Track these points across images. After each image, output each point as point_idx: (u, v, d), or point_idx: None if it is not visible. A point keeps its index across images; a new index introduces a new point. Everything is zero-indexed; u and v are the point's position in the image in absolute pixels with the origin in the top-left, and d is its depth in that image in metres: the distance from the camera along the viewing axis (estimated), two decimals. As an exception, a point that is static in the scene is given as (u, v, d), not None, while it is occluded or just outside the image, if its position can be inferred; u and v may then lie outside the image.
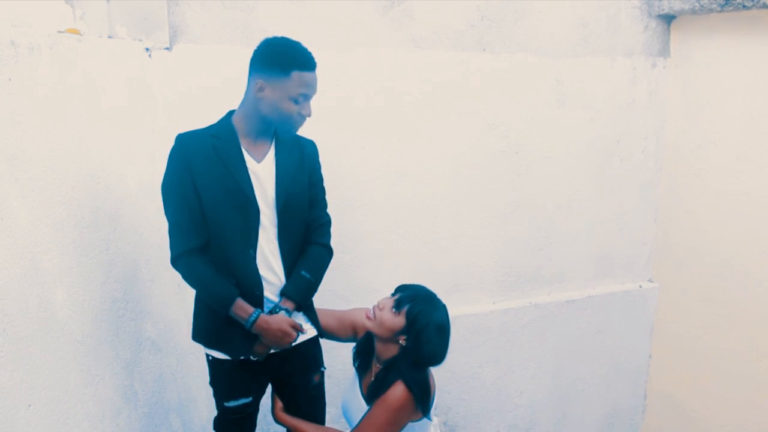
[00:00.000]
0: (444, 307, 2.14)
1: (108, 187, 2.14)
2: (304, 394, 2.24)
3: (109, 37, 2.47)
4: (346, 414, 2.29)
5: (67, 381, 1.77)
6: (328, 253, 2.22)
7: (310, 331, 2.17)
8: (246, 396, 2.14)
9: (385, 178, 3.12)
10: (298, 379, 2.22)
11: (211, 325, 2.09)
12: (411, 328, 2.04)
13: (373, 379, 2.15)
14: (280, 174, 2.05)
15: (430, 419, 2.13)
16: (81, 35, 2.13)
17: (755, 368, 3.37)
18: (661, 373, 3.98)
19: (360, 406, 2.17)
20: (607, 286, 3.81)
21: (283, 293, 2.08)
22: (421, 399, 2.05)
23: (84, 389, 1.86)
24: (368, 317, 2.11)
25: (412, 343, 2.06)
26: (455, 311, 3.35)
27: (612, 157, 3.63)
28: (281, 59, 1.93)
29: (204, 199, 1.96)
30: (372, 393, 2.10)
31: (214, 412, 2.26)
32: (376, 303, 2.14)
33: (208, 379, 2.23)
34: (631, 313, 3.89)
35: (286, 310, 2.06)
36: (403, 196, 3.17)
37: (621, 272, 3.85)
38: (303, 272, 2.10)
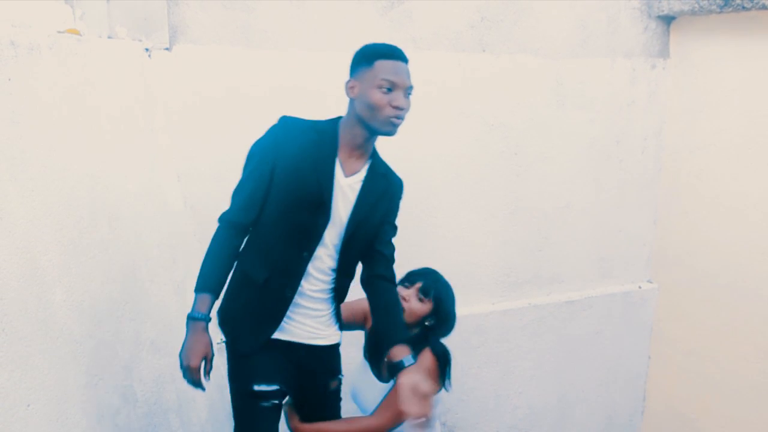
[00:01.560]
0: (448, 282, 2.29)
1: (107, 187, 2.14)
2: (319, 398, 2.21)
3: (109, 37, 2.47)
4: (357, 400, 2.34)
5: (66, 381, 1.77)
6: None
7: (334, 337, 2.15)
8: (275, 382, 2.04)
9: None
10: (316, 381, 2.17)
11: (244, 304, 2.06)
12: (439, 309, 2.20)
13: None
14: (362, 197, 2.02)
15: (447, 389, 2.27)
16: (81, 35, 2.14)
17: (754, 369, 3.37)
18: (660, 375, 3.98)
19: (378, 389, 2.23)
20: (606, 287, 3.81)
21: (399, 342, 1.99)
22: (444, 367, 2.19)
23: (83, 389, 1.86)
24: None
25: (436, 322, 2.20)
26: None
27: (611, 157, 3.63)
28: (366, 53, 1.94)
29: (276, 184, 1.94)
30: (393, 370, 2.12)
31: (214, 413, 2.26)
32: None
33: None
34: (630, 314, 3.89)
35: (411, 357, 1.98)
36: (403, 197, 3.17)
37: (620, 273, 3.85)
38: (401, 316, 2.09)
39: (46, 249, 1.70)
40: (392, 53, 1.93)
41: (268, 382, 2.00)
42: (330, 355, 2.17)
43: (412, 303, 2.18)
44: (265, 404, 2.02)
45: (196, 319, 1.90)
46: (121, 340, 2.17)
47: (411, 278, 2.27)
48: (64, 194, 1.83)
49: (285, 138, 1.95)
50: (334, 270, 2.04)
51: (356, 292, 2.15)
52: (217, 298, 1.95)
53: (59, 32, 2.03)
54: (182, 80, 2.70)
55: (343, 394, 2.36)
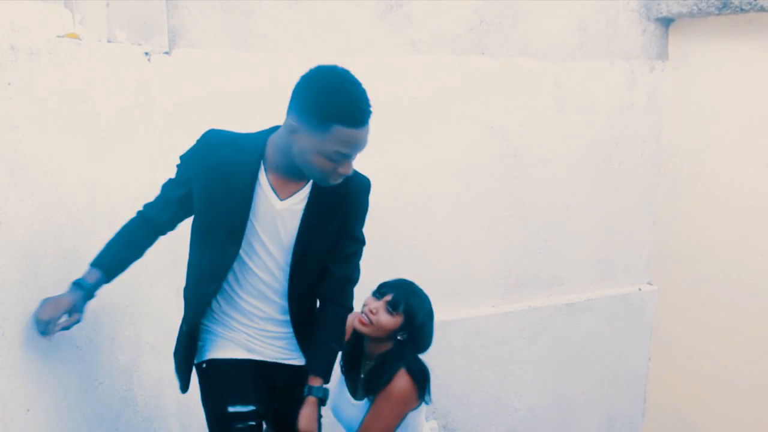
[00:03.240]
0: (426, 296, 2.19)
1: (107, 191, 2.14)
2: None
3: (109, 41, 2.47)
4: (337, 416, 2.29)
5: (66, 386, 1.77)
6: (347, 315, 2.01)
7: (300, 359, 2.00)
8: (251, 402, 1.89)
9: (384, 181, 3.11)
10: (294, 402, 1.98)
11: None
12: (410, 324, 2.08)
13: (364, 375, 2.16)
14: (306, 218, 1.81)
15: (427, 403, 2.16)
16: (80, 40, 2.14)
17: (754, 370, 3.36)
18: (661, 376, 3.98)
19: (352, 407, 2.18)
20: (606, 289, 3.81)
21: (312, 371, 1.92)
22: (423, 385, 2.09)
23: (83, 394, 1.86)
24: (363, 323, 2.08)
25: (409, 336, 2.09)
26: (454, 315, 3.37)
27: (611, 160, 3.63)
28: (322, 107, 1.60)
29: (195, 203, 1.82)
30: (369, 388, 2.10)
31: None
32: (364, 306, 2.13)
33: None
34: (630, 316, 3.89)
35: (323, 390, 1.90)
36: (402, 200, 3.17)
37: (620, 275, 3.85)
38: (331, 343, 1.93)
39: (45, 253, 1.70)
40: (356, 119, 1.62)
41: (244, 403, 1.87)
42: (304, 373, 2.00)
43: (380, 316, 2.06)
44: (241, 426, 1.88)
45: (74, 282, 1.71)
46: (121, 344, 2.17)
47: (382, 290, 2.15)
48: (64, 198, 1.83)
49: (203, 154, 1.79)
50: (285, 296, 1.89)
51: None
52: (107, 279, 1.79)
53: (59, 37, 2.03)
54: (182, 84, 2.70)
55: (325, 411, 2.34)
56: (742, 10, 3.06)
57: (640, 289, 3.90)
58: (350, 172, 1.70)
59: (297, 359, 1.99)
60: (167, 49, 2.63)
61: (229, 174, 1.74)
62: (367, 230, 3.21)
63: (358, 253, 1.97)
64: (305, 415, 1.86)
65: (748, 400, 3.41)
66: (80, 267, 1.87)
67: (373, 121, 3.01)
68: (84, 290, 1.70)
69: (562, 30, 3.35)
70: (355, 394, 2.20)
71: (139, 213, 1.88)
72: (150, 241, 1.89)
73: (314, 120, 1.59)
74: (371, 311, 2.08)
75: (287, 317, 1.92)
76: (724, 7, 3.12)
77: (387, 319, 2.06)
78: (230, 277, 1.85)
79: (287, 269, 1.85)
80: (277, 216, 1.78)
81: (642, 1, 3.50)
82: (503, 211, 3.41)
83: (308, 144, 1.62)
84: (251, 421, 1.87)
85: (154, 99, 2.62)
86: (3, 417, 1.44)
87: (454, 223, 3.31)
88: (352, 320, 2.15)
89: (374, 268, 3.14)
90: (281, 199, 1.78)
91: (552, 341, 3.69)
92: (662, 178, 3.79)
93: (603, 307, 3.79)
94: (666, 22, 3.58)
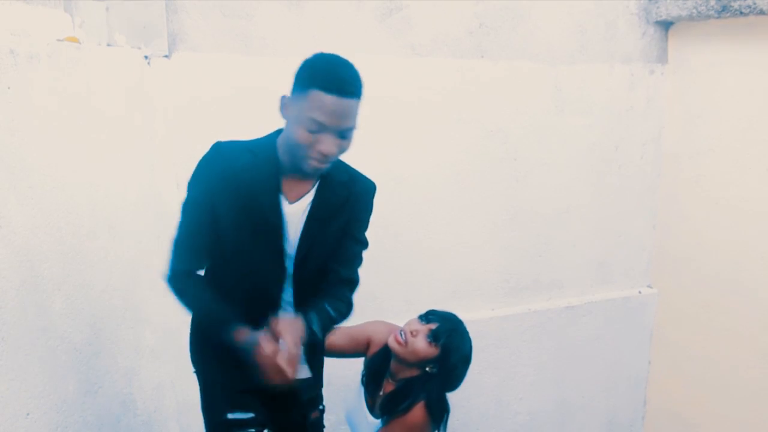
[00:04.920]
0: (470, 339, 2.16)
1: (107, 194, 2.14)
2: (299, 428, 2.04)
3: (108, 45, 2.47)
4: (351, 426, 2.29)
5: (66, 389, 1.77)
6: (350, 309, 1.94)
7: (303, 371, 1.93)
8: (250, 410, 1.85)
9: (383, 184, 3.09)
10: (293, 412, 1.99)
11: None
12: (444, 360, 2.05)
13: (384, 394, 2.13)
14: (310, 221, 1.77)
15: None
16: (80, 43, 2.14)
17: (755, 374, 3.36)
18: (661, 380, 3.98)
19: (367, 424, 2.17)
20: (606, 292, 3.81)
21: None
22: (438, 421, 2.07)
23: (83, 398, 1.86)
24: (399, 342, 2.05)
25: (438, 372, 2.06)
26: (454, 318, 3.36)
27: (611, 163, 3.63)
28: (304, 72, 1.60)
29: (222, 219, 1.72)
30: (386, 409, 2.09)
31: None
32: (405, 325, 2.10)
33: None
34: (630, 319, 3.89)
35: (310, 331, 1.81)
36: (402, 203, 3.17)
37: (620, 278, 3.85)
38: (327, 306, 1.84)
39: (45, 257, 1.70)
40: (333, 84, 1.55)
41: (243, 410, 1.83)
42: (307, 386, 1.98)
43: (418, 341, 2.03)
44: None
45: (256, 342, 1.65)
46: (120, 348, 2.17)
47: (429, 316, 2.12)
48: (64, 202, 1.83)
49: (218, 168, 1.70)
50: (290, 303, 1.85)
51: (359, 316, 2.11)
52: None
53: (58, 40, 2.03)
54: (181, 87, 2.70)
55: (336, 416, 2.33)
56: (741, 13, 3.06)
57: (640, 293, 3.90)
58: (332, 153, 1.61)
59: (301, 371, 1.90)
60: (167, 53, 2.63)
61: (251, 178, 1.69)
62: (367, 233, 3.21)
63: (359, 255, 1.94)
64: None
65: (749, 403, 3.41)
66: (80, 270, 1.88)
67: (372, 125, 3.03)
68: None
69: (561, 33, 3.35)
70: (372, 410, 2.18)
71: (184, 278, 1.79)
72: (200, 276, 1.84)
73: (297, 87, 1.59)
74: (411, 332, 2.05)
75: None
76: (724, 11, 3.12)
77: (423, 347, 2.03)
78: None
79: (292, 269, 1.81)
80: (289, 219, 1.75)
81: (641, 4, 3.50)
82: (503, 215, 3.41)
83: (292, 114, 1.61)
84: (251, 428, 1.84)
85: (153, 102, 2.63)
86: (2, 421, 1.43)
87: (454, 226, 3.31)
88: (388, 335, 2.13)
89: (374, 272, 3.14)
90: (290, 203, 1.75)
91: (552, 344, 3.69)
92: (662, 181, 3.79)
93: (603, 310, 3.79)
94: (665, 26, 3.59)
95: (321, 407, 2.10)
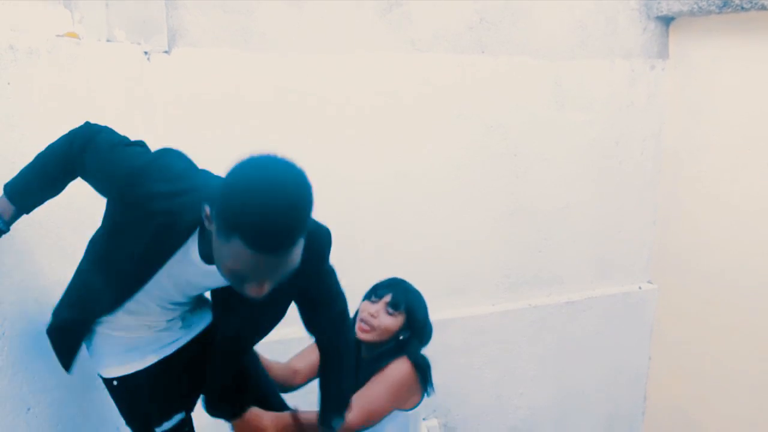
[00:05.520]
0: (418, 290, 2.14)
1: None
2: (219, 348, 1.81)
3: (108, 40, 2.47)
4: None
5: (67, 385, 1.77)
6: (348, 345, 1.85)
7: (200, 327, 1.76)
8: (178, 410, 1.70)
9: (383, 180, 3.13)
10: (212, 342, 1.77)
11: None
12: (412, 321, 2.03)
13: (364, 371, 2.05)
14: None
15: (428, 395, 2.10)
16: (79, 39, 2.14)
17: (755, 369, 3.36)
18: (661, 375, 3.99)
19: None
20: (606, 287, 3.81)
21: (324, 410, 1.79)
22: (424, 374, 2.03)
23: (85, 393, 1.87)
24: (364, 330, 2.01)
25: (411, 334, 2.04)
26: (454, 313, 3.37)
27: (611, 159, 3.63)
28: (228, 212, 1.18)
29: (108, 222, 1.50)
30: (365, 377, 2.01)
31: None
32: (360, 312, 2.06)
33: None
34: (630, 314, 3.89)
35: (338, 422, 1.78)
36: (402, 199, 3.17)
37: (620, 274, 3.85)
38: (341, 376, 1.79)
39: (47, 253, 1.70)
40: (257, 240, 1.16)
41: (169, 417, 1.68)
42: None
43: (382, 319, 2.00)
44: None
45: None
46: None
47: (377, 292, 2.08)
48: (64, 198, 1.83)
49: (139, 190, 1.37)
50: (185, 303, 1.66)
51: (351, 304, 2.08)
52: (18, 216, 1.51)
53: (58, 36, 2.03)
54: (181, 83, 2.70)
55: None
56: (742, 8, 3.05)
57: (640, 288, 3.90)
58: (261, 296, 1.27)
59: (199, 326, 1.75)
60: (167, 48, 2.63)
61: (158, 227, 1.37)
62: (367, 228, 3.21)
63: (335, 301, 1.74)
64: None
65: (749, 399, 3.41)
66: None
67: (373, 121, 3.04)
68: None
69: (561, 29, 3.35)
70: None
71: (69, 147, 1.49)
72: (72, 179, 1.55)
73: (220, 224, 1.19)
74: (371, 315, 2.02)
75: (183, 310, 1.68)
76: (725, 6, 3.11)
77: (389, 321, 2.01)
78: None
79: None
80: (198, 276, 1.46)
81: (642, 0, 3.50)
82: (503, 210, 3.41)
83: (214, 245, 1.25)
84: (185, 428, 1.74)
85: (153, 98, 2.62)
86: (3, 415, 1.44)
87: (454, 221, 3.32)
88: (311, 355, 2.10)
89: (373, 267, 3.15)
90: (208, 263, 1.40)
91: (552, 340, 3.70)
92: (662, 176, 3.79)
93: (603, 305, 3.79)
94: (666, 21, 3.58)
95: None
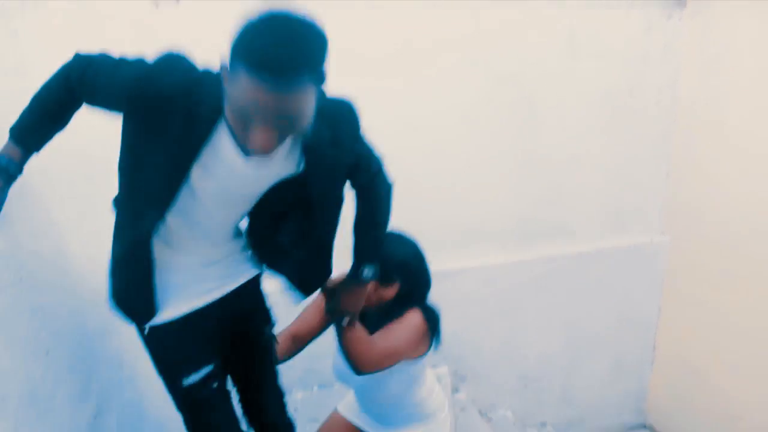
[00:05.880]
0: (407, 239, 2.12)
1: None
2: (256, 350, 1.87)
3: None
4: (347, 382, 2.25)
5: (85, 329, 1.81)
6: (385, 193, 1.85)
7: (249, 273, 1.75)
8: (207, 363, 1.66)
9: (395, 128, 3.11)
10: (249, 329, 1.84)
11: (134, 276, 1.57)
12: (407, 279, 2.02)
13: (370, 324, 2.04)
14: (315, 192, 1.55)
15: (436, 347, 2.10)
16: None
17: (765, 322, 3.37)
18: (671, 326, 4.01)
19: None
20: (618, 239, 3.81)
21: (356, 259, 1.80)
22: (434, 325, 2.04)
23: (102, 337, 1.91)
24: (367, 306, 1.96)
25: (410, 289, 2.04)
26: (465, 263, 3.39)
27: (625, 109, 3.59)
28: (236, 43, 1.19)
29: (132, 139, 1.43)
30: (376, 328, 2.01)
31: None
32: None
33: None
34: (641, 266, 3.90)
35: (371, 269, 1.80)
36: (414, 148, 3.16)
37: (632, 225, 3.84)
38: (370, 230, 1.80)
39: (60, 201, 1.72)
40: (264, 67, 1.14)
41: (198, 368, 1.64)
42: (253, 291, 1.80)
43: (378, 293, 1.99)
44: (202, 395, 1.67)
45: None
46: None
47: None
48: (76, 147, 1.85)
49: (156, 90, 1.35)
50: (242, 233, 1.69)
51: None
52: (28, 157, 1.52)
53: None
54: (189, 33, 2.68)
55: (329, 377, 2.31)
56: (763, -46, 2.97)
57: (652, 240, 3.89)
58: (266, 148, 1.24)
59: (248, 273, 1.74)
60: (176, -3, 2.61)
61: (181, 120, 1.34)
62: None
63: (371, 161, 1.76)
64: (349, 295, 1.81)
65: (758, 352, 3.43)
66: (94, 215, 1.90)
67: (385, 69, 3.01)
68: (7, 174, 1.47)
69: (577, -25, 3.28)
70: None
71: (66, 79, 1.48)
72: (76, 109, 1.53)
73: (230, 61, 1.21)
74: (368, 297, 1.97)
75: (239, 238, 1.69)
76: (745, -49, 3.03)
77: (386, 292, 2.01)
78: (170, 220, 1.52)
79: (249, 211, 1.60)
80: (236, 174, 1.41)
81: (660, -54, 3.41)
82: (515, 160, 3.39)
83: (226, 95, 1.27)
84: (211, 384, 1.68)
85: (162, 47, 2.61)
86: (23, 358, 1.48)
87: (466, 171, 3.31)
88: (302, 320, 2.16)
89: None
90: (247, 155, 1.36)
91: (563, 291, 3.72)
92: (677, 128, 3.74)
93: (614, 257, 3.79)
94: (684, -32, 3.50)
95: (273, 323, 1.91)
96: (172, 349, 1.63)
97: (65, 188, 1.76)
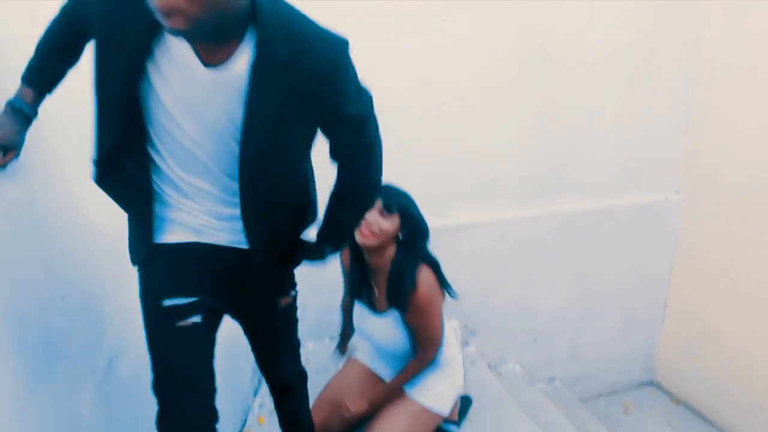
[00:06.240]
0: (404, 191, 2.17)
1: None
2: (266, 319, 1.76)
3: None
4: (366, 336, 2.34)
5: (99, 276, 1.82)
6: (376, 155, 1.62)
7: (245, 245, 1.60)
8: (192, 295, 1.55)
9: (410, 82, 3.08)
10: (259, 296, 1.71)
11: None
12: (407, 218, 2.09)
13: (386, 287, 2.17)
14: (252, 119, 1.34)
15: (453, 296, 2.20)
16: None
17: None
18: (683, 284, 4.01)
19: (378, 321, 2.23)
20: (632, 196, 3.79)
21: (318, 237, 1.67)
22: (441, 274, 2.14)
23: (115, 287, 1.92)
24: (366, 236, 2.06)
25: (412, 230, 2.10)
26: (478, 217, 3.39)
27: (645, 65, 3.53)
28: None
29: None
30: (394, 297, 2.13)
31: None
32: (362, 223, 2.10)
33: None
34: (655, 224, 3.88)
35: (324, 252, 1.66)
36: (429, 101, 3.13)
37: (647, 183, 3.82)
38: (338, 213, 1.63)
39: (72, 151, 1.72)
40: None
41: (183, 295, 1.53)
42: (263, 264, 1.62)
43: (381, 223, 2.05)
44: (182, 323, 1.53)
45: (10, 105, 1.43)
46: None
47: None
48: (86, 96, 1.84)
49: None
50: (233, 175, 1.46)
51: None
52: (42, 97, 1.49)
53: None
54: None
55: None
56: None
57: (666, 198, 3.87)
58: (167, 6, 1.14)
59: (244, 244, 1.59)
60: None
61: (133, 26, 1.28)
62: (392, 131, 3.19)
63: (361, 131, 1.53)
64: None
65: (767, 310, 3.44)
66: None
67: (401, 21, 2.96)
68: (22, 117, 1.43)
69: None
70: (375, 308, 2.24)
71: (63, 11, 1.46)
72: (80, 41, 1.48)
73: None
74: (370, 223, 2.06)
75: (237, 198, 1.50)
76: None
77: (386, 223, 2.06)
78: (158, 151, 1.47)
79: (233, 155, 1.43)
80: (198, 89, 1.33)
81: None
82: (531, 114, 3.36)
83: None
84: (194, 315, 1.55)
85: None
86: (39, 302, 1.50)
87: (481, 125, 3.28)
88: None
89: (396, 169, 3.14)
90: (206, 65, 1.30)
91: (576, 246, 3.71)
92: (697, 85, 3.68)
93: (628, 214, 3.78)
94: None
95: (293, 291, 1.79)
96: (161, 270, 1.56)
97: (75, 138, 1.75)
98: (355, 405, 2.26)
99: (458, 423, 2.55)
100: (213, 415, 1.57)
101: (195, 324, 1.54)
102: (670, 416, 4.04)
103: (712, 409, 3.90)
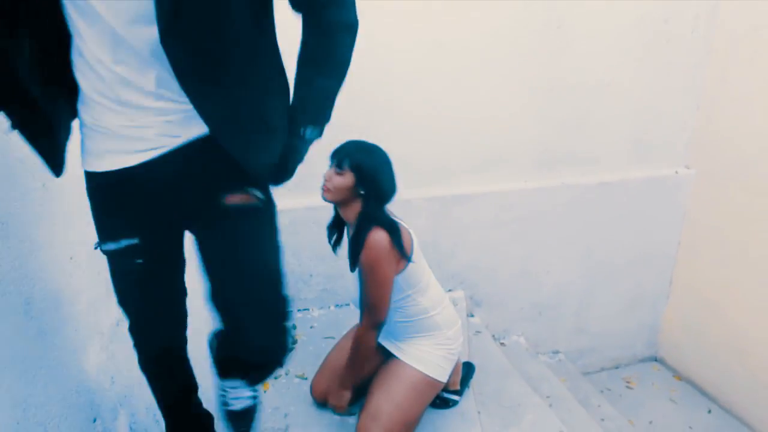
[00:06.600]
0: (378, 146, 2.13)
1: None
2: (221, 226, 1.38)
3: None
4: (356, 298, 2.31)
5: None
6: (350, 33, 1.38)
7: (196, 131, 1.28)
8: (131, 235, 1.38)
9: (421, 50, 3.04)
10: (207, 198, 1.35)
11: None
12: (362, 175, 2.05)
13: (349, 242, 2.17)
14: None
15: (410, 260, 2.14)
16: None
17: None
18: (689, 261, 4.00)
19: (355, 280, 2.22)
20: (642, 170, 3.76)
21: (297, 114, 1.39)
22: (394, 234, 2.08)
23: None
24: (324, 192, 2.08)
25: (368, 188, 2.07)
26: (485, 188, 3.37)
27: (659, 37, 3.47)
28: None
29: None
30: (354, 256, 2.12)
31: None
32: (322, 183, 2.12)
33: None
34: (664, 198, 3.86)
35: (315, 131, 1.41)
36: (439, 70, 3.10)
37: (658, 157, 3.79)
38: (315, 76, 1.37)
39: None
40: None
41: (118, 238, 1.38)
42: (213, 154, 1.29)
43: (333, 178, 2.05)
44: (125, 266, 1.42)
45: None
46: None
47: (331, 156, 2.11)
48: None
49: None
50: (160, 58, 1.18)
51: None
52: None
53: None
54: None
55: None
56: None
57: (676, 173, 3.84)
58: None
59: (195, 132, 1.28)
60: None
61: None
62: (403, 98, 3.15)
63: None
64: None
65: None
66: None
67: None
68: None
69: None
70: (352, 267, 2.24)
71: None
72: None
73: None
74: (327, 180, 2.07)
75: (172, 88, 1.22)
76: None
77: (339, 179, 2.04)
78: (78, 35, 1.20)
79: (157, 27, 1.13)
80: None
81: None
82: (541, 84, 3.32)
83: None
84: (132, 259, 1.40)
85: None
86: (47, 262, 1.50)
87: (491, 95, 3.25)
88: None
89: (407, 138, 3.14)
90: None
91: (583, 219, 3.70)
92: (712, 58, 3.63)
93: (637, 188, 3.75)
94: None
95: (256, 192, 1.39)
96: (99, 203, 1.38)
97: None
98: (339, 399, 2.27)
99: (460, 392, 2.56)
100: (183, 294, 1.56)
101: (138, 265, 1.40)
102: (672, 391, 4.06)
103: (715, 385, 3.92)
